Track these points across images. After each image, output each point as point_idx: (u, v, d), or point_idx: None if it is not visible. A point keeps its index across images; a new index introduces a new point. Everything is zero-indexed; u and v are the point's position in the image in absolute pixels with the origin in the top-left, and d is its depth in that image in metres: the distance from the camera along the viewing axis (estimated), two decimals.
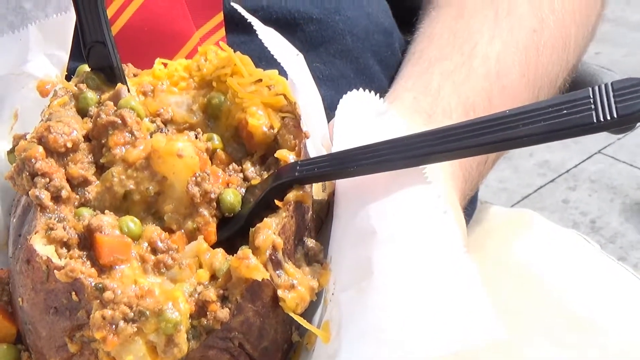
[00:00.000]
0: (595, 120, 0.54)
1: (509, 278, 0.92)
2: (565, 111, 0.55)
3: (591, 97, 0.55)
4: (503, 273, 0.93)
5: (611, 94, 0.54)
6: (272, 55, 0.71)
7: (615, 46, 3.46)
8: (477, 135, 0.58)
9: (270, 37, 0.71)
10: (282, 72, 0.70)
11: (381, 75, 0.96)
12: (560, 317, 0.86)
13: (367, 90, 0.69)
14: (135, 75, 0.74)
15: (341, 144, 0.65)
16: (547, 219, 1.05)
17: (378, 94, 0.68)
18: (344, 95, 0.69)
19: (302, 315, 0.59)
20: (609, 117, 0.53)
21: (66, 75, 0.75)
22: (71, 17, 0.73)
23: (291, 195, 0.61)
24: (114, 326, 0.55)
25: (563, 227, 1.04)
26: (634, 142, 2.87)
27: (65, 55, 0.74)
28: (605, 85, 0.55)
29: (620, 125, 0.53)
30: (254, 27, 0.71)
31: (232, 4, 0.76)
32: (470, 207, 1.06)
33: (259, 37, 0.70)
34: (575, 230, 1.05)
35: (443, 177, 0.73)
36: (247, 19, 0.80)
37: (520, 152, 2.83)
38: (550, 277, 0.91)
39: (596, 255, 0.97)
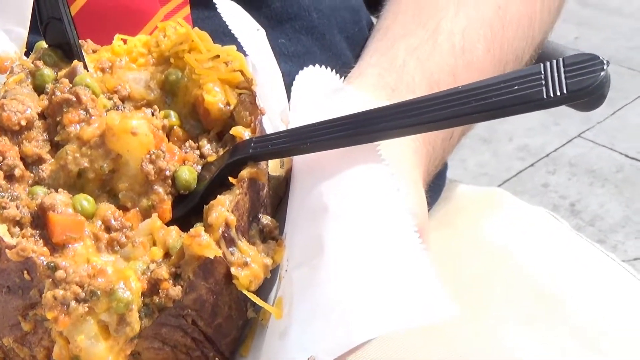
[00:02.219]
0: (545, 96, 0.54)
1: (478, 255, 0.92)
2: (516, 87, 0.55)
3: (542, 72, 0.55)
4: (472, 250, 0.93)
5: (562, 70, 0.54)
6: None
7: (594, 30, 3.46)
8: (431, 112, 0.58)
9: (230, 12, 0.71)
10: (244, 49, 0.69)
11: (348, 52, 0.95)
12: (528, 293, 0.87)
13: (331, 67, 0.69)
14: (94, 52, 0.73)
15: (297, 121, 0.64)
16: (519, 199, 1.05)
17: (343, 71, 0.68)
18: (300, 72, 0.68)
19: (258, 291, 0.60)
20: (558, 93, 0.53)
21: (25, 51, 0.74)
22: None
23: (245, 172, 0.61)
24: (65, 306, 0.55)
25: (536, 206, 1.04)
26: (613, 126, 2.88)
27: (24, 31, 0.73)
28: (557, 61, 0.55)
29: (570, 100, 0.53)
30: (214, 1, 0.70)
31: None
32: (438, 188, 1.06)
33: (219, 10, 0.69)
34: (556, 213, 1.05)
35: (404, 154, 0.73)
36: None
37: (500, 136, 2.84)
38: (518, 254, 0.92)
39: (565, 233, 0.98)
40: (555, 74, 0.54)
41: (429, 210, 0.71)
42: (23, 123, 0.63)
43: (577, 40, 3.35)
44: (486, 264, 0.91)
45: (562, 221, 1.00)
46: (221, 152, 0.66)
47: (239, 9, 0.73)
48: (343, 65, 0.88)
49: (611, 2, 3.67)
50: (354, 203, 0.57)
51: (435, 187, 1.03)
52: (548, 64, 0.55)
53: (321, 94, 0.66)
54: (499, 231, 0.96)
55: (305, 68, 0.68)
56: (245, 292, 0.58)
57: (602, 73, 0.53)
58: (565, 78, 0.53)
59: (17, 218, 0.58)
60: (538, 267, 0.91)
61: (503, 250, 0.92)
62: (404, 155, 0.72)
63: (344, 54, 0.95)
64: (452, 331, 0.83)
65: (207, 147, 0.66)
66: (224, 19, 0.69)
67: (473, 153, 2.76)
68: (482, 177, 2.67)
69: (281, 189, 0.68)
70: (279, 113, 0.72)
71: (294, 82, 0.68)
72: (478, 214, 1.00)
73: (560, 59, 0.55)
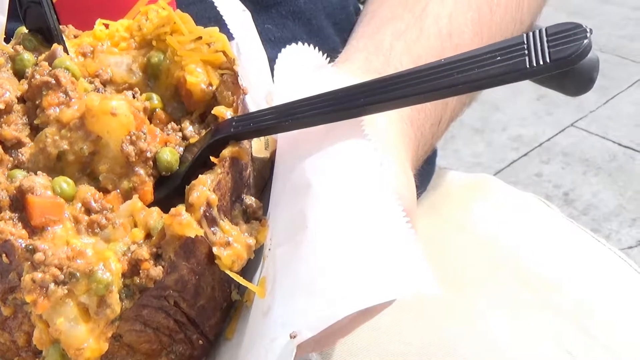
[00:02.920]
0: (528, 66, 0.53)
1: (466, 241, 0.91)
2: (499, 57, 0.54)
3: (525, 42, 0.54)
4: (460, 236, 0.92)
5: (545, 39, 0.53)
6: (221, 16, 0.70)
7: (586, 19, 3.46)
8: (414, 85, 0.57)
9: None
10: (230, 32, 0.68)
11: (335, 37, 0.94)
12: (516, 278, 0.86)
13: (310, 45, 0.68)
14: (75, 37, 0.72)
15: (280, 98, 0.63)
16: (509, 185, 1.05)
17: (330, 56, 0.67)
18: (283, 50, 0.68)
19: (242, 272, 0.59)
20: (541, 62, 0.52)
21: (5, 37, 0.73)
22: None
23: (226, 152, 0.60)
24: (44, 289, 0.54)
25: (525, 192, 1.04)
26: (606, 115, 2.88)
27: (2, 17, 0.73)
28: (540, 30, 0.54)
29: (553, 69, 0.53)
30: None
31: None
32: (427, 175, 1.05)
33: None
34: (549, 203, 1.04)
35: (391, 133, 0.72)
36: None
37: (494, 126, 2.84)
38: (507, 239, 0.91)
39: (554, 218, 0.97)
40: (538, 43, 0.53)
41: (418, 197, 0.70)
42: (1, 106, 0.62)
43: None
44: (475, 250, 0.90)
45: (553, 207, 1.00)
46: (204, 133, 0.65)
47: None
48: (330, 50, 0.87)
49: None
50: (336, 178, 0.56)
51: (425, 173, 1.02)
52: (531, 33, 0.54)
53: (304, 72, 0.65)
54: (487, 217, 0.95)
55: (287, 47, 0.67)
56: (228, 272, 0.57)
57: (585, 41, 0.52)
58: (548, 47, 0.53)
59: None
60: (526, 252, 0.90)
61: (492, 235, 0.91)
62: (390, 136, 0.71)
63: (331, 39, 0.94)
64: (439, 316, 0.82)
65: (189, 129, 0.65)
66: None
67: (466, 143, 2.75)
68: (476, 168, 2.66)
69: (266, 171, 0.67)
70: (264, 95, 0.71)
71: (277, 60, 0.67)
72: (467, 200, 0.99)
73: (543, 29, 0.54)
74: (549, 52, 0.52)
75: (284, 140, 0.63)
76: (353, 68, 0.79)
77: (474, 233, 0.93)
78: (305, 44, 0.69)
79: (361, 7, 0.99)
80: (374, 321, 0.60)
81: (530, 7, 0.94)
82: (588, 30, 0.52)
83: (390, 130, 0.71)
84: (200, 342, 0.60)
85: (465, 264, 0.90)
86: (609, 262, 0.93)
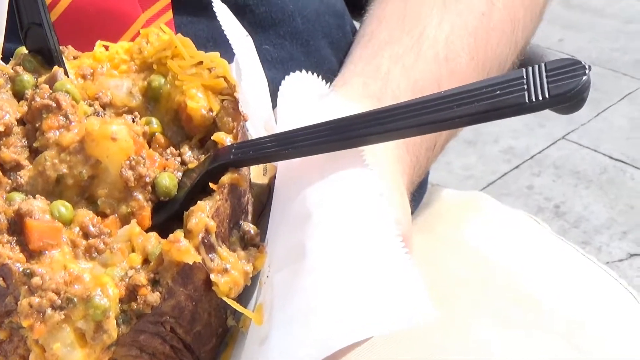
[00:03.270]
0: (527, 100, 0.53)
1: (457, 259, 0.92)
2: (498, 92, 0.55)
3: (524, 77, 0.54)
4: (452, 255, 0.93)
5: (544, 75, 0.54)
6: (220, 37, 0.70)
7: (579, 32, 3.48)
8: (414, 116, 0.57)
9: (224, 15, 0.70)
10: (228, 54, 0.69)
11: (332, 57, 0.95)
12: (507, 297, 0.87)
13: (315, 73, 0.68)
14: (75, 58, 0.73)
15: (283, 126, 0.64)
16: (504, 203, 1.05)
17: (327, 77, 0.68)
18: (287, 77, 0.68)
19: (238, 299, 0.59)
20: (540, 97, 0.53)
21: (2, 58, 0.73)
22: (4, 0, 0.71)
23: (226, 178, 0.60)
24: (41, 314, 0.54)
25: (527, 212, 1.04)
26: (598, 128, 2.89)
27: None
28: (539, 66, 0.55)
29: (552, 105, 0.53)
30: (212, 1, 0.69)
31: None
32: (420, 192, 1.06)
33: (215, 10, 0.69)
34: (540, 215, 1.05)
35: (388, 161, 0.73)
36: (194, 0, 0.78)
37: (485, 138, 2.85)
38: (498, 258, 0.92)
39: (546, 236, 0.98)
40: (538, 79, 0.54)
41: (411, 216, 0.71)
42: (1, 129, 0.62)
43: (562, 42, 3.37)
44: (466, 268, 0.91)
45: (543, 224, 1.00)
46: (203, 159, 0.65)
47: (230, 14, 0.73)
48: (327, 70, 0.87)
49: (595, 3, 3.70)
50: (336, 208, 0.57)
51: (417, 191, 1.03)
52: (530, 69, 0.55)
53: (307, 100, 0.65)
54: (479, 235, 0.96)
55: (291, 74, 0.68)
56: (225, 298, 0.57)
57: (584, 77, 0.53)
58: (548, 83, 0.53)
59: None
60: (517, 270, 0.91)
61: (483, 254, 0.92)
62: (388, 164, 0.71)
63: (328, 59, 0.94)
64: (430, 334, 0.82)
65: (188, 154, 0.66)
66: (218, 19, 0.69)
67: (458, 155, 2.76)
68: (468, 180, 2.67)
69: (264, 197, 0.68)
70: (263, 122, 0.71)
71: (280, 88, 0.68)
72: (459, 218, 1.00)
73: (542, 64, 0.54)
74: (548, 88, 0.53)
75: (284, 167, 0.64)
76: (351, 92, 0.80)
77: (466, 251, 0.94)
78: (307, 70, 0.69)
79: (357, 24, 1.00)
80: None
81: (525, 30, 0.95)
82: (587, 67, 0.53)
83: (387, 157, 0.72)
84: None
85: (457, 282, 0.90)
86: (599, 279, 0.94)
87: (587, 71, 0.53)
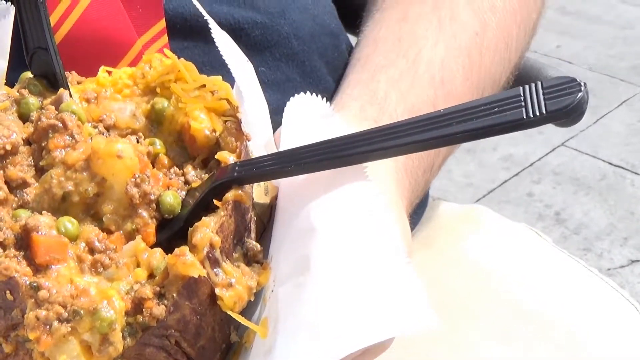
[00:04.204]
0: (525, 117, 0.55)
1: (458, 274, 0.93)
2: (497, 109, 0.56)
3: (522, 95, 0.56)
4: (453, 269, 0.93)
5: (541, 92, 0.56)
6: (216, 61, 0.72)
7: (575, 39, 3.50)
8: (415, 133, 0.59)
9: (223, 41, 0.72)
10: (226, 78, 0.70)
11: (328, 77, 0.97)
12: (508, 311, 0.87)
13: (313, 94, 0.70)
14: (79, 83, 0.74)
15: (286, 145, 0.65)
16: (506, 213, 1.06)
17: (325, 97, 0.69)
18: (291, 99, 0.70)
19: (240, 314, 0.59)
20: (538, 114, 0.55)
21: (5, 83, 0.75)
22: (8, 25, 0.72)
23: (230, 195, 0.61)
24: (47, 326, 0.55)
25: (528, 220, 1.06)
26: (597, 134, 2.90)
27: (3, 62, 0.74)
28: (536, 84, 0.56)
29: (549, 121, 0.55)
30: (210, 28, 0.71)
31: (194, 1, 0.76)
32: (420, 207, 1.06)
33: (214, 37, 0.71)
34: (541, 222, 1.06)
35: (389, 183, 0.74)
36: (190, 25, 0.80)
37: (484, 146, 2.85)
38: (500, 272, 0.92)
39: (548, 249, 0.98)
40: (535, 96, 0.55)
41: (411, 231, 0.72)
42: (8, 147, 0.63)
43: (559, 49, 3.39)
44: (467, 283, 0.91)
45: (545, 237, 1.01)
46: (206, 178, 0.66)
47: (229, 40, 0.75)
48: (324, 90, 0.89)
49: (591, 10, 3.73)
50: (340, 221, 0.58)
51: (418, 208, 1.03)
52: (527, 87, 0.56)
53: (310, 121, 0.67)
54: (479, 249, 0.96)
55: (295, 96, 0.69)
56: (230, 312, 0.58)
57: (580, 94, 0.54)
58: (545, 100, 0.55)
59: (0, 239, 0.58)
60: (518, 284, 0.92)
61: (484, 268, 0.93)
62: (387, 185, 0.73)
63: (324, 79, 0.96)
64: (431, 348, 0.83)
65: (191, 173, 0.67)
66: (218, 47, 0.70)
67: (458, 164, 2.76)
68: (468, 188, 2.67)
69: (265, 217, 0.69)
70: (264, 145, 0.73)
71: (285, 110, 0.69)
72: (459, 233, 1.00)
73: (539, 82, 0.56)
74: (545, 104, 0.55)
75: (286, 183, 0.65)
76: (349, 116, 0.81)
77: (467, 266, 0.95)
78: (303, 91, 0.71)
79: (353, 42, 1.01)
80: None
81: (518, 46, 0.97)
82: (582, 84, 0.55)
83: (386, 178, 0.73)
84: None
85: (459, 296, 0.91)
86: (600, 290, 0.94)
87: (582, 88, 0.55)
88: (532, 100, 0.55)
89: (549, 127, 2.97)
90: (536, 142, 2.89)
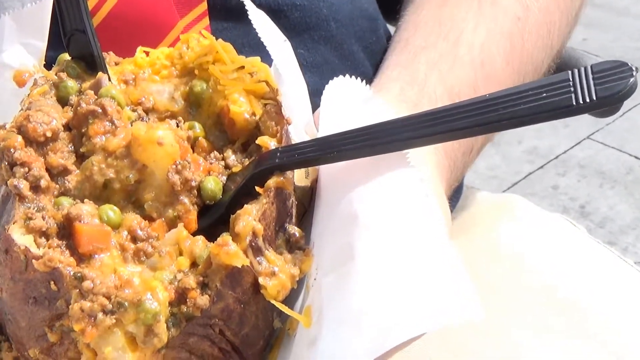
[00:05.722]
0: (574, 103, 0.53)
1: (494, 263, 0.92)
2: (545, 94, 0.55)
3: (570, 80, 0.54)
4: (488, 258, 0.93)
5: (590, 77, 0.54)
6: (256, 42, 0.71)
7: (602, 32, 3.45)
8: (459, 119, 0.57)
9: (260, 21, 0.71)
10: (266, 59, 0.69)
11: (366, 61, 0.95)
12: (546, 302, 0.86)
13: (352, 77, 0.69)
14: (116, 64, 0.73)
15: (326, 131, 0.64)
16: (535, 204, 1.05)
17: (363, 80, 0.68)
18: (330, 82, 0.69)
19: (283, 302, 0.59)
20: (588, 100, 0.53)
21: (44, 64, 0.74)
22: (47, 6, 0.72)
23: (271, 182, 0.60)
24: (92, 318, 0.55)
25: (553, 212, 1.04)
26: (623, 127, 2.87)
27: (42, 44, 0.74)
28: (585, 68, 0.55)
29: (599, 107, 0.53)
30: (247, 9, 0.70)
31: None
32: (456, 195, 1.05)
33: (250, 18, 0.69)
34: (565, 215, 1.05)
35: (429, 166, 0.73)
36: (230, 6, 0.79)
37: (509, 139, 2.83)
38: (535, 261, 0.91)
39: (582, 239, 0.97)
40: (584, 81, 0.54)
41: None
42: (48, 134, 0.63)
43: (585, 42, 3.34)
44: (502, 272, 0.90)
45: (579, 227, 1.00)
46: (246, 162, 0.66)
47: (266, 19, 0.73)
48: (361, 74, 0.87)
49: (618, 3, 3.67)
50: (383, 209, 0.57)
51: (454, 196, 1.03)
52: (576, 71, 0.55)
53: (350, 104, 0.66)
54: (514, 238, 0.95)
55: (334, 78, 0.68)
56: (273, 302, 0.57)
57: (632, 79, 0.52)
58: (595, 85, 0.53)
59: (43, 229, 0.58)
60: (553, 273, 0.91)
61: (518, 257, 0.92)
62: (429, 169, 0.72)
63: (362, 63, 0.95)
64: (468, 339, 0.82)
65: (232, 157, 0.66)
66: (254, 26, 0.69)
67: (482, 156, 2.73)
68: (492, 180, 2.66)
69: (306, 199, 0.68)
70: (304, 125, 0.72)
71: (324, 93, 0.68)
72: (494, 221, 0.99)
73: (589, 66, 0.54)
74: (595, 90, 0.53)
75: (327, 169, 0.64)
76: (388, 97, 0.80)
77: (502, 254, 0.94)
78: (342, 74, 0.70)
79: (391, 29, 1.00)
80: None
81: (560, 34, 0.95)
82: (634, 68, 0.53)
83: (427, 162, 0.72)
84: None
85: (493, 285, 0.90)
86: (635, 283, 0.92)
87: (634, 73, 0.53)
88: (581, 86, 0.54)
89: (575, 120, 2.94)
90: (561, 135, 2.85)
